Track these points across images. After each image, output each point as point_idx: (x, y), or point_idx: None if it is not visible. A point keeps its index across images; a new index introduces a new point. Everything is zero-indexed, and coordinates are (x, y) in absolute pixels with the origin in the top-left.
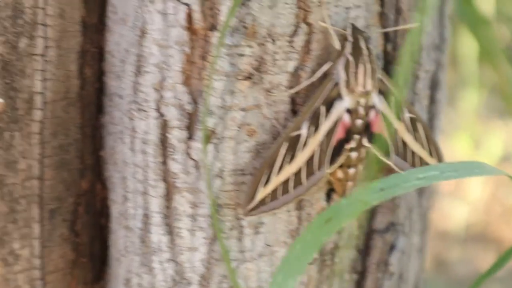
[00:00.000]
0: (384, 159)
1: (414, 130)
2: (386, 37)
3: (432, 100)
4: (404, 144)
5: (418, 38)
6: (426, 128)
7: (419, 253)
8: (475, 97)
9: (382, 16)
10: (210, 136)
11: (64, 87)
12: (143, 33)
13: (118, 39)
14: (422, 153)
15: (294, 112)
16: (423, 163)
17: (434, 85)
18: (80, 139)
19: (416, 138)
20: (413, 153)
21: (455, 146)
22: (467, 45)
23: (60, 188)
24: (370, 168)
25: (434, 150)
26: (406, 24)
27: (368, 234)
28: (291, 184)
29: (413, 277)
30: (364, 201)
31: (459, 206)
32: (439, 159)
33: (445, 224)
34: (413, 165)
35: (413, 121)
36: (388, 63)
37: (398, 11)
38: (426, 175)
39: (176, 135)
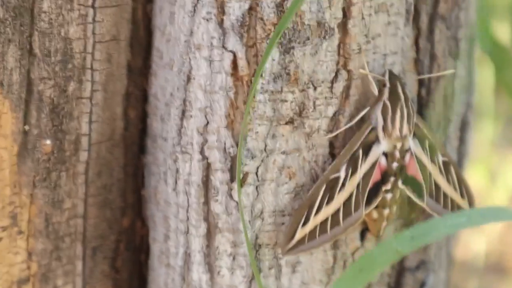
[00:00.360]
0: (418, 201)
1: (446, 173)
2: (421, 82)
3: (462, 141)
4: (437, 186)
5: (452, 83)
6: (458, 171)
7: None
8: (491, 128)
9: (417, 62)
10: (245, 179)
11: (110, 129)
12: (189, 79)
13: (163, 83)
14: (454, 195)
15: (332, 155)
16: (454, 205)
17: (463, 127)
18: (122, 179)
19: (449, 181)
20: (445, 195)
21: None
22: (483, 75)
23: (102, 226)
24: (404, 210)
25: (466, 192)
26: (440, 69)
27: (400, 271)
28: (328, 224)
29: None
30: (396, 250)
31: (475, 236)
32: (470, 201)
33: (462, 255)
34: (445, 206)
35: (446, 164)
36: (422, 107)
37: (433, 57)
38: (454, 223)
39: (218, 177)
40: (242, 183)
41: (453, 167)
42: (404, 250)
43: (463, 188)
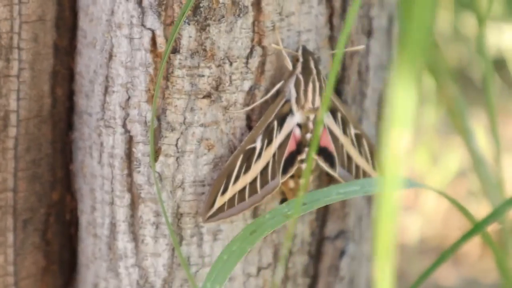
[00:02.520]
0: (330, 171)
1: (359, 145)
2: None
3: (380, 117)
4: (349, 157)
5: (365, 59)
6: (370, 143)
7: (371, 261)
8: (432, 112)
9: (332, 39)
10: (158, 153)
11: (37, 106)
12: (110, 56)
13: (87, 61)
14: (366, 166)
15: (249, 127)
16: (366, 175)
17: (381, 102)
18: (51, 154)
19: (361, 152)
20: (357, 166)
21: (414, 161)
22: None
23: (32, 199)
24: (323, 180)
25: (377, 164)
26: (353, 46)
27: (320, 240)
28: (247, 192)
29: (365, 284)
30: (286, 214)
31: (416, 219)
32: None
33: (403, 238)
34: (357, 177)
35: (358, 136)
36: (337, 82)
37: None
38: (346, 190)
39: (140, 149)
40: (157, 155)
41: (365, 140)
42: (293, 214)
43: (374, 159)
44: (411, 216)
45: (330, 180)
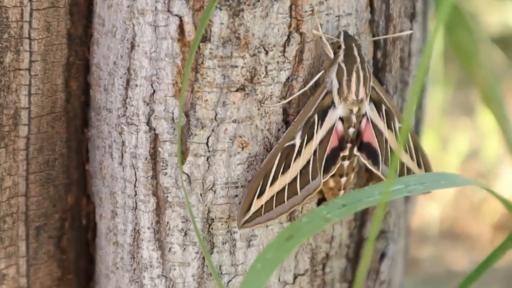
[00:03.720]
0: (373, 169)
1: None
2: (376, 44)
3: (418, 106)
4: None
5: (408, 45)
6: (416, 139)
7: (403, 257)
8: (441, 94)
9: (373, 23)
10: (187, 153)
11: (50, 102)
12: (132, 46)
13: (106, 51)
14: (411, 164)
15: (286, 122)
16: (411, 173)
17: (422, 91)
18: (65, 154)
19: (405, 149)
20: (401, 163)
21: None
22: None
23: (46, 204)
24: (362, 178)
25: (423, 161)
26: (396, 31)
27: (358, 242)
28: (286, 194)
29: (398, 282)
30: (325, 217)
31: (427, 203)
32: (427, 170)
33: (414, 222)
34: (401, 175)
35: (402, 131)
36: (378, 70)
37: (388, 18)
38: (390, 190)
39: (167, 149)
40: (186, 155)
41: (410, 135)
42: (333, 217)
43: (420, 157)
44: (422, 200)
45: (369, 176)
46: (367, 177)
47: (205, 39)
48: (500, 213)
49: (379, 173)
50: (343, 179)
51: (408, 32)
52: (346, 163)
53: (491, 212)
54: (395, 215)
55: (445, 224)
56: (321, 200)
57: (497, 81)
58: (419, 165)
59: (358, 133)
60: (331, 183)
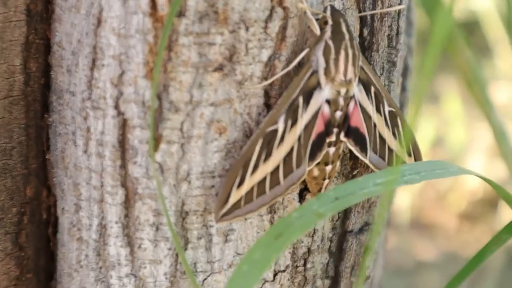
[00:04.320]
0: (360, 156)
1: (392, 125)
2: (363, 20)
3: (403, 88)
4: (382, 140)
5: (397, 22)
6: (406, 123)
7: (383, 249)
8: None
9: None
10: (159, 140)
11: (7, 84)
12: (99, 22)
13: (69, 29)
14: (400, 150)
15: (268, 106)
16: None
17: (404, 72)
18: (24, 142)
19: (395, 135)
20: (390, 150)
21: None
22: None
23: (2, 197)
24: (346, 166)
25: (413, 149)
26: (384, 6)
27: (342, 235)
28: (267, 184)
29: (379, 276)
30: (317, 212)
31: (398, 192)
32: (417, 158)
33: None
34: (390, 163)
35: (392, 115)
36: (364, 49)
37: None
38: (384, 180)
39: (137, 135)
40: (158, 142)
41: (400, 119)
42: (326, 212)
43: (410, 145)
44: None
45: (353, 164)
46: (351, 165)
47: (180, 13)
48: (466, 202)
49: (367, 161)
50: (328, 167)
51: (399, 7)
52: (332, 149)
53: (457, 202)
54: (379, 205)
55: (411, 213)
56: (303, 190)
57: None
58: (409, 154)
59: (345, 117)
60: (315, 172)
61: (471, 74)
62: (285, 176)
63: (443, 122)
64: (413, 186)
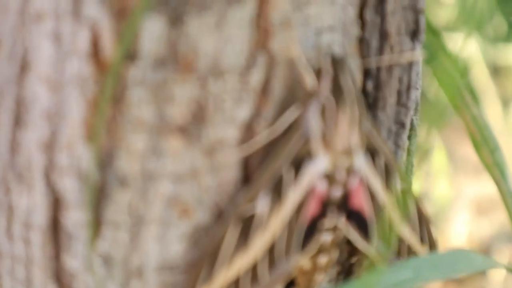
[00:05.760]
0: (363, 248)
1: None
2: (367, 71)
3: (408, 153)
4: (390, 225)
5: (408, 73)
6: (420, 205)
7: None
8: None
9: (363, 42)
10: (100, 225)
11: None
12: (24, 67)
13: None
14: (412, 239)
15: (245, 179)
16: (411, 253)
17: (409, 134)
18: None
19: (406, 219)
20: (400, 239)
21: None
22: None
23: None
24: (343, 253)
25: (427, 235)
26: (393, 52)
27: None
28: (245, 282)
29: None
30: None
31: None
32: (432, 246)
33: None
34: (399, 254)
35: (404, 193)
36: (367, 107)
37: (384, 35)
38: (396, 279)
39: (72, 218)
40: (100, 226)
41: (414, 200)
42: None
43: (424, 229)
44: None
45: (351, 250)
46: (348, 251)
47: (131, 57)
48: None
49: (372, 254)
50: (323, 259)
51: (413, 56)
52: (328, 236)
53: None
54: None
55: None
56: (289, 286)
57: None
58: (422, 240)
59: (347, 196)
60: (307, 265)
61: (480, 135)
62: (269, 272)
63: (428, 175)
64: None
